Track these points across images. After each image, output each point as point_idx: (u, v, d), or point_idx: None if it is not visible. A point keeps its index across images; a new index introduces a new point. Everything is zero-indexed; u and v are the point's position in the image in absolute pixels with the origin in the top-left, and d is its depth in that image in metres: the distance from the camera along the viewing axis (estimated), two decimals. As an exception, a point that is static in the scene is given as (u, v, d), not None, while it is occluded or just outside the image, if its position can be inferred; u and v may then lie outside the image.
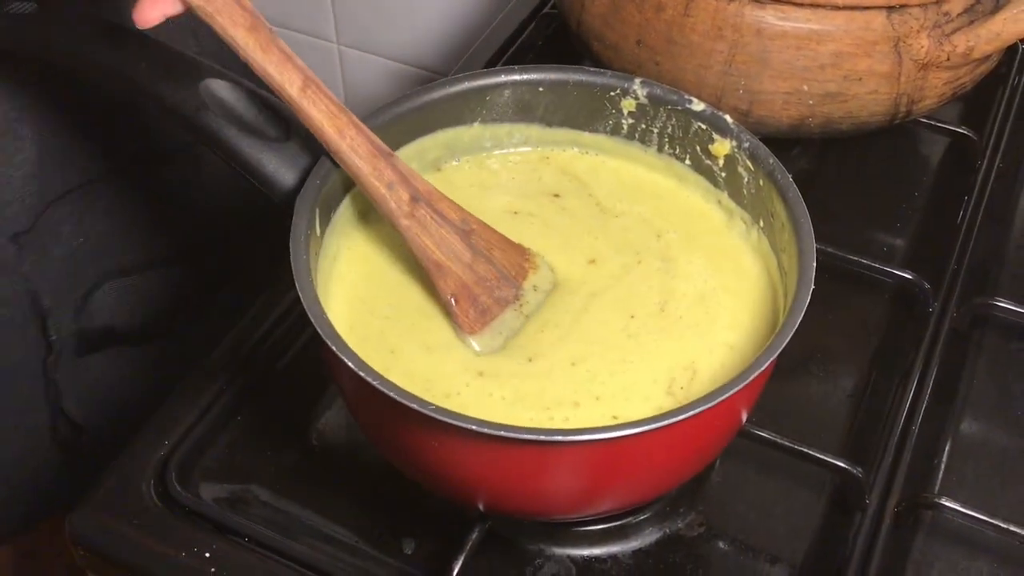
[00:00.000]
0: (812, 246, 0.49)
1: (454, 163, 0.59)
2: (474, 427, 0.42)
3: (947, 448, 0.59)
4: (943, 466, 0.58)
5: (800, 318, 0.46)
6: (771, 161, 0.53)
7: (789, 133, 0.66)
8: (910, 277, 0.64)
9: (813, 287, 0.47)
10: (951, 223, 0.69)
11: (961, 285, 0.64)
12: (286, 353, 0.61)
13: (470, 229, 0.52)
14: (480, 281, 0.52)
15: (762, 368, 0.44)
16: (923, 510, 0.54)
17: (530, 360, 0.51)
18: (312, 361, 0.61)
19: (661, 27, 0.64)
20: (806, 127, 0.65)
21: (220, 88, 0.53)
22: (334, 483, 0.56)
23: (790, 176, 0.52)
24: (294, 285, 0.47)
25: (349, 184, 0.54)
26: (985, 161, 0.72)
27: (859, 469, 0.54)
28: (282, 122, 0.53)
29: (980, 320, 0.64)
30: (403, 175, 0.51)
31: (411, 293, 0.54)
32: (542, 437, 0.42)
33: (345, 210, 0.54)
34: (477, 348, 0.51)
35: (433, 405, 0.42)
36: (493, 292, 0.52)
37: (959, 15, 0.63)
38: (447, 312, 0.52)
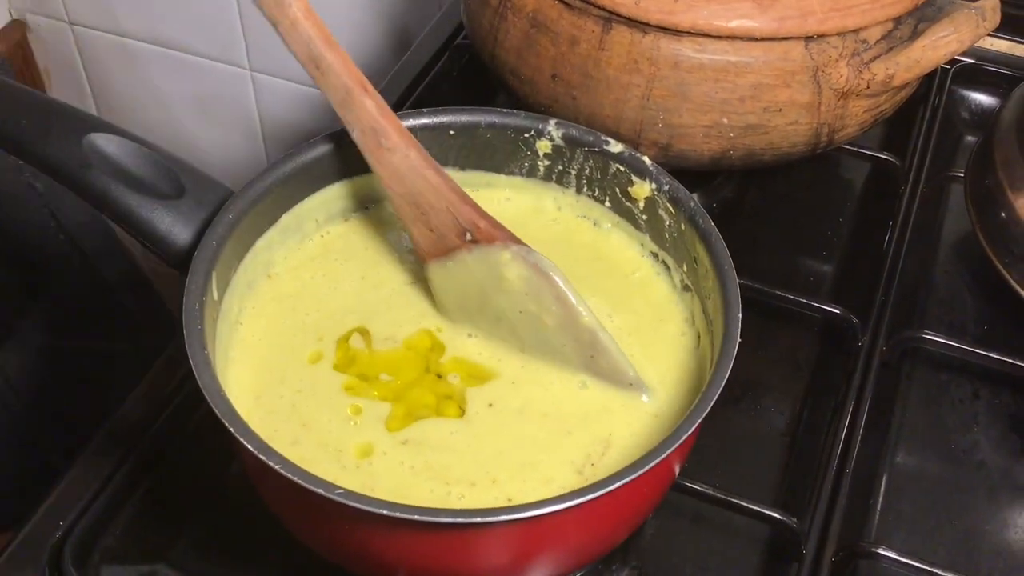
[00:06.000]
0: (737, 296, 0.47)
1: (364, 212, 0.56)
2: (361, 506, 0.39)
3: (883, 486, 0.58)
4: (879, 505, 0.57)
5: (726, 376, 0.44)
6: (692, 205, 0.51)
7: (711, 166, 0.64)
8: (838, 312, 0.62)
9: (741, 328, 0.46)
10: (877, 249, 0.68)
11: (889, 317, 0.63)
12: (191, 416, 0.57)
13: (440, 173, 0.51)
14: (441, 214, 0.50)
15: (688, 434, 0.42)
16: (860, 559, 0.52)
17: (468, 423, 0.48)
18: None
19: (576, 61, 0.62)
20: (728, 159, 0.63)
21: (107, 143, 0.50)
22: (251, 555, 0.53)
23: (712, 221, 0.50)
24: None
25: (250, 241, 0.51)
26: (908, 185, 0.71)
27: (794, 520, 0.52)
28: (174, 177, 0.50)
29: (910, 353, 0.63)
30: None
31: (330, 356, 0.50)
32: (416, 517, 0.39)
33: (247, 269, 0.51)
34: (433, 279, 0.51)
35: (340, 489, 0.39)
36: (455, 227, 0.50)
37: (877, 42, 0.62)
38: (412, 241, 0.52)
